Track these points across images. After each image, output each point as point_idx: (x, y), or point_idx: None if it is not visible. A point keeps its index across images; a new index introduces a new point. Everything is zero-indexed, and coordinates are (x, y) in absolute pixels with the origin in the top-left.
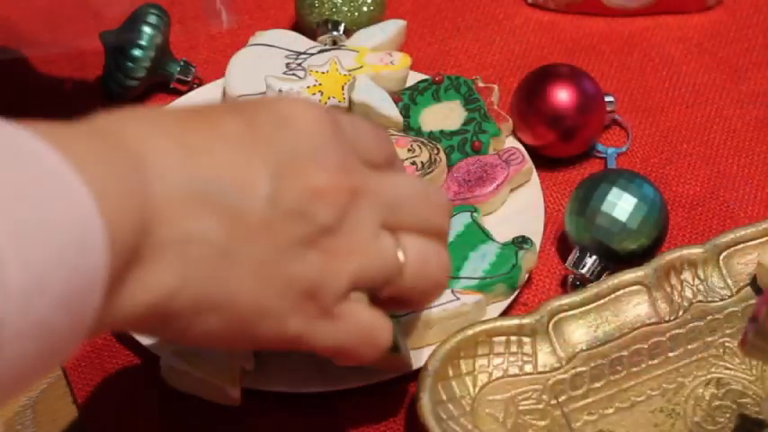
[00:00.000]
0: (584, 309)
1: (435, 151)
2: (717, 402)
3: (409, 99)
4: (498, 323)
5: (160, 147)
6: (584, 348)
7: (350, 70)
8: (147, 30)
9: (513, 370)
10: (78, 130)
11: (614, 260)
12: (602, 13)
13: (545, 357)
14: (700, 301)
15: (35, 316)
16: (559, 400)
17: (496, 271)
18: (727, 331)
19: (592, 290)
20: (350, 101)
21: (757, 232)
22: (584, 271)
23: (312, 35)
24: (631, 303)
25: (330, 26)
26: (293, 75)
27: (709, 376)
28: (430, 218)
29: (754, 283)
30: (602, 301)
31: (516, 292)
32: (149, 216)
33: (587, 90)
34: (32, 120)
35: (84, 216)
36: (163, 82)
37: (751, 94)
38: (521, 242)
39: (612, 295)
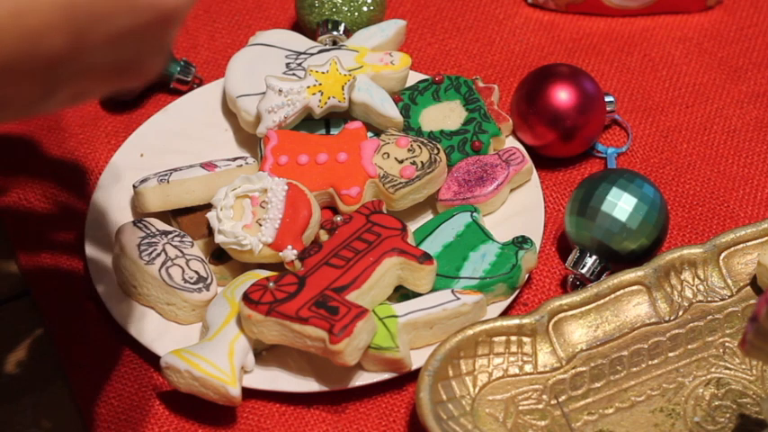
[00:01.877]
0: (584, 309)
1: (435, 151)
2: (717, 402)
3: (409, 99)
4: (498, 323)
5: None
6: (584, 348)
7: (350, 70)
8: None
9: (513, 370)
10: None
11: (614, 260)
12: (602, 13)
13: (545, 357)
14: (700, 301)
15: None
16: (559, 400)
17: (497, 271)
18: (727, 331)
19: (592, 290)
20: (350, 101)
21: (757, 232)
22: (584, 271)
23: (312, 35)
24: (631, 303)
25: (330, 26)
26: (293, 74)
27: (709, 376)
28: None
29: (754, 283)
30: (602, 301)
31: (516, 292)
32: None
33: (587, 90)
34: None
35: None
36: (163, 82)
37: (751, 94)
38: (521, 242)
39: (612, 295)
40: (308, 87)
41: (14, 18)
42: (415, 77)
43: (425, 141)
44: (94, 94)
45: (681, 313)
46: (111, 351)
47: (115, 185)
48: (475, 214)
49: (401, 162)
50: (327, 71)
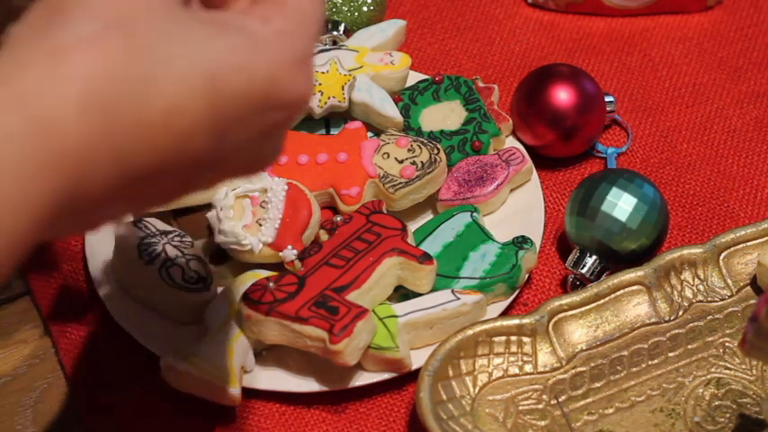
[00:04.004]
0: (584, 309)
1: (435, 151)
2: (717, 402)
3: (409, 99)
4: (498, 323)
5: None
6: (584, 348)
7: (350, 70)
8: None
9: (513, 370)
10: None
11: (614, 260)
12: (602, 13)
13: (545, 357)
14: (700, 301)
15: None
16: (559, 400)
17: (497, 271)
18: (727, 331)
19: (592, 290)
20: (350, 101)
21: (757, 232)
22: (584, 271)
23: None
24: (631, 303)
25: (330, 26)
26: None
27: (709, 376)
28: None
29: (754, 283)
30: (602, 301)
31: (516, 292)
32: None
33: (587, 90)
34: None
35: None
36: None
37: (751, 94)
38: (521, 242)
39: (612, 295)
40: None
41: (166, 117)
42: (415, 77)
43: (425, 141)
44: (221, 183)
45: (681, 313)
46: (111, 351)
47: None
48: (475, 214)
49: (401, 162)
50: (327, 71)
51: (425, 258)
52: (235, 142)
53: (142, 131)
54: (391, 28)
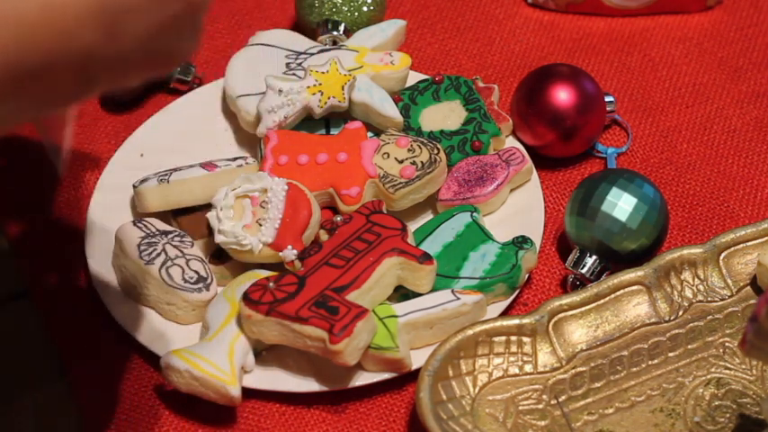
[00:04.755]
0: (584, 309)
1: (435, 151)
2: (717, 402)
3: (409, 99)
4: (498, 323)
5: None
6: (584, 348)
7: (350, 70)
8: None
9: (513, 370)
10: None
11: (614, 260)
12: (602, 13)
13: (545, 357)
14: (700, 301)
15: None
16: (559, 400)
17: (497, 271)
18: (728, 331)
19: (592, 290)
20: (350, 101)
21: (757, 232)
22: (584, 271)
23: (312, 35)
24: (631, 303)
25: (330, 26)
26: (293, 74)
27: (709, 376)
28: None
29: (754, 283)
30: (602, 301)
31: (516, 292)
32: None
33: (587, 90)
34: None
35: None
36: (163, 82)
37: (751, 94)
38: (521, 242)
39: (612, 295)
40: (308, 87)
41: (44, 13)
42: (415, 77)
43: (425, 141)
44: (131, 82)
45: (681, 313)
46: (111, 351)
47: (115, 185)
48: (475, 214)
49: (401, 162)
50: (327, 71)
51: (425, 258)
52: (132, 36)
53: (22, 30)
54: (391, 28)
